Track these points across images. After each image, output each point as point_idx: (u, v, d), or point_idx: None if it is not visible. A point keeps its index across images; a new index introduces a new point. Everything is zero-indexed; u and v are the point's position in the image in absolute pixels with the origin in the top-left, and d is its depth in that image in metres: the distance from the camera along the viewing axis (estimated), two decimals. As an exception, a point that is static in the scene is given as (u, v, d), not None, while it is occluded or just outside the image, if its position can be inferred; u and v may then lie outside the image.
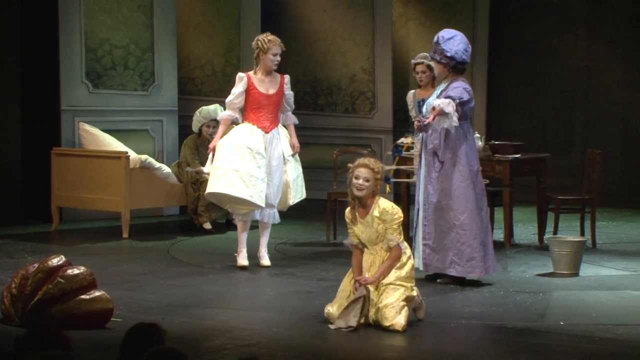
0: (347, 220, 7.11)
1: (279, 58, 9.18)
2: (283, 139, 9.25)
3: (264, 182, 8.99)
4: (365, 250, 7.06)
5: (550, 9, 13.91)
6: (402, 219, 7.02)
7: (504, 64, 14.08)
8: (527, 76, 14.06)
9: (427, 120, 8.20)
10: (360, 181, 6.95)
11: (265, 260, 9.19)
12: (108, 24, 11.83)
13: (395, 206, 7.02)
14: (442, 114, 8.11)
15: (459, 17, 13.72)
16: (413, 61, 9.99)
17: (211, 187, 9.00)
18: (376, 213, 6.93)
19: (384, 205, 6.97)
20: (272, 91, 9.18)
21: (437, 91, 8.52)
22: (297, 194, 9.33)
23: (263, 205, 9.00)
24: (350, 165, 7.17)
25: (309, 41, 13.94)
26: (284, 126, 9.34)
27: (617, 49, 13.65)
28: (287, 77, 9.31)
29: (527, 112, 14.12)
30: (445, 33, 8.51)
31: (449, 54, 8.37)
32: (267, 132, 9.13)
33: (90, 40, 11.71)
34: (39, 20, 11.64)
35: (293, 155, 9.26)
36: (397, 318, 6.78)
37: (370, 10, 13.63)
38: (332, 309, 6.96)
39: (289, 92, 9.26)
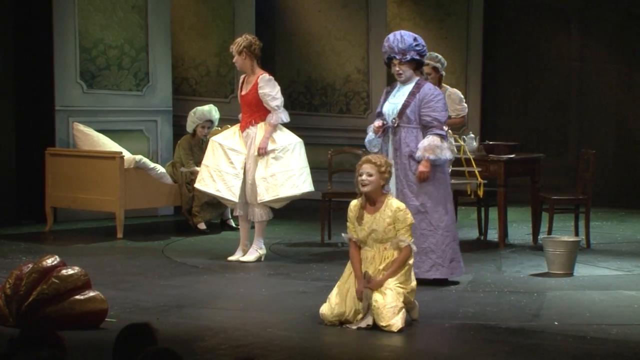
0: (351, 214, 7.07)
1: (234, 59, 9.36)
2: (259, 138, 9.31)
3: (237, 177, 9.25)
4: (363, 247, 7.04)
5: (544, 9, 13.92)
6: (413, 221, 7.04)
7: (498, 64, 14.08)
8: (521, 76, 14.06)
9: (422, 175, 8.18)
10: (364, 177, 6.97)
11: (247, 256, 9.33)
12: (102, 24, 11.82)
13: (407, 208, 7.05)
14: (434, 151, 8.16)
15: (453, 18, 13.72)
16: None
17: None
18: (389, 211, 6.92)
19: (398, 204, 7.00)
20: (243, 92, 9.39)
21: (403, 92, 8.44)
22: (269, 192, 9.20)
23: (234, 199, 9.27)
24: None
25: (304, 41, 13.94)
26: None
27: (610, 50, 13.66)
28: (260, 77, 9.32)
29: (521, 112, 14.12)
30: (408, 33, 8.39)
31: (426, 53, 8.46)
32: (242, 131, 9.38)
33: (84, 40, 11.70)
34: (33, 20, 11.62)
35: (259, 155, 9.24)
36: (394, 319, 6.77)
37: (365, 11, 13.63)
38: (326, 310, 6.95)
39: (261, 92, 9.28)
